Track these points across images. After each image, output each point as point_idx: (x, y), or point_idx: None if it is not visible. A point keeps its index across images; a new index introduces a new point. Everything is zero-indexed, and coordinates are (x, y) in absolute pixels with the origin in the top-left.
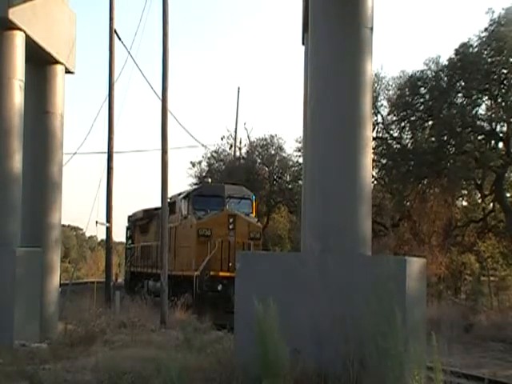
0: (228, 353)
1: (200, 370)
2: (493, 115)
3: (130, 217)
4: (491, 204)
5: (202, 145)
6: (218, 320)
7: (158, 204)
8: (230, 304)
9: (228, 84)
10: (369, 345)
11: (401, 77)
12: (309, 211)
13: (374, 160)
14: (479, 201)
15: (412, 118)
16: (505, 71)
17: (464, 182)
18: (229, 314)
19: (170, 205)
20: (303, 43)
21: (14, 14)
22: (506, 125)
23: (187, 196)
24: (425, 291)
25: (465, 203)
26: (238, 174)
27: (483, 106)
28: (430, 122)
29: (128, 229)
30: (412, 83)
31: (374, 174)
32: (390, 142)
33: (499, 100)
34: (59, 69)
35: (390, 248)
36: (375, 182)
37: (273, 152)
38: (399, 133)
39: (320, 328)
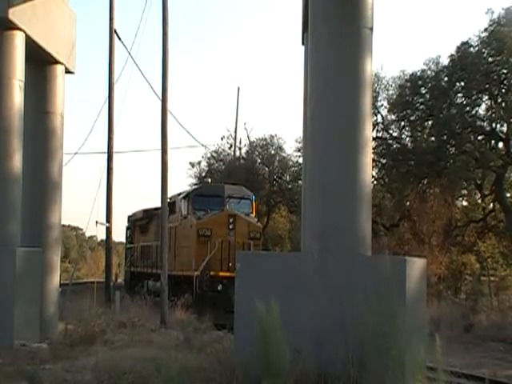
0: (228, 353)
1: (200, 370)
2: (493, 115)
3: (129, 217)
4: (491, 204)
5: (202, 145)
6: (218, 320)
7: (158, 204)
8: (230, 304)
9: (228, 84)
10: (369, 345)
11: (401, 77)
12: (309, 211)
13: (374, 160)
14: (479, 201)
15: (412, 118)
16: (505, 71)
17: (464, 182)
18: (229, 314)
19: (169, 205)
20: (303, 43)
21: (14, 14)
22: (505, 125)
23: (187, 196)
24: (425, 291)
25: (465, 203)
26: (238, 174)
27: (483, 106)
28: (430, 122)
29: (128, 229)
30: (412, 83)
31: (374, 173)
32: (389, 141)
33: (499, 100)
34: (59, 69)
35: (389, 248)
36: (375, 182)
37: (273, 152)
38: (399, 132)
39: (320, 328)
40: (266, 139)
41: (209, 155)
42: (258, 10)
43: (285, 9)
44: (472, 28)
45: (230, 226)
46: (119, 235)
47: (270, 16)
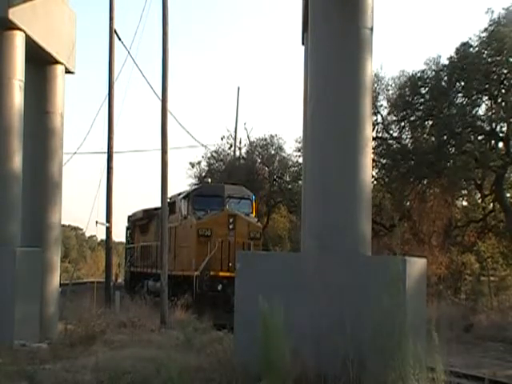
0: (228, 353)
1: (200, 370)
2: (493, 115)
3: (129, 217)
4: (491, 204)
5: (202, 145)
6: (218, 320)
7: (158, 204)
8: (229, 304)
9: (228, 84)
10: (369, 345)
11: (401, 77)
12: (309, 211)
13: (374, 160)
14: (479, 201)
15: (412, 118)
16: (505, 71)
17: (464, 181)
18: (229, 314)
19: (169, 205)
20: (303, 43)
21: (14, 14)
22: (506, 125)
23: (187, 196)
24: (425, 291)
25: (465, 203)
26: (238, 174)
27: (483, 106)
28: (430, 122)
29: (128, 229)
30: (412, 83)
31: (374, 174)
32: (389, 141)
33: (499, 100)
34: (59, 69)
35: (389, 248)
36: (375, 182)
37: (273, 152)
38: (399, 133)
39: (320, 328)
40: (266, 139)
41: (209, 155)
42: (258, 10)
43: (285, 9)
44: (472, 28)
45: (230, 226)
46: (119, 235)
47: (269, 16)
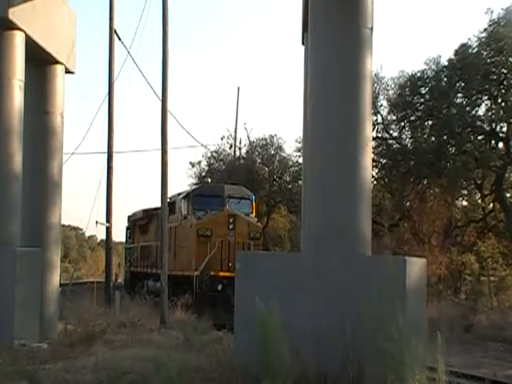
0: (228, 353)
1: (200, 370)
2: (493, 115)
3: (129, 217)
4: (491, 204)
5: (202, 145)
6: (218, 320)
7: (158, 204)
8: (229, 304)
9: (228, 84)
10: (369, 345)
11: (401, 77)
12: (309, 211)
13: (373, 160)
14: (479, 201)
15: (412, 118)
16: (504, 71)
17: (464, 181)
18: (229, 314)
19: (169, 205)
20: (303, 43)
21: (14, 14)
22: (505, 125)
23: (187, 196)
24: (425, 291)
25: (465, 203)
26: (238, 174)
27: (483, 107)
28: (430, 122)
29: (128, 229)
30: (412, 83)
31: (374, 173)
32: (389, 141)
33: (499, 100)
34: (59, 69)
35: (389, 248)
36: (375, 182)
37: (273, 152)
38: (399, 133)
39: (319, 328)
40: (265, 139)
41: (209, 155)
42: (258, 10)
43: (285, 9)
44: (472, 28)
45: (230, 226)
46: (119, 235)
47: (269, 16)
